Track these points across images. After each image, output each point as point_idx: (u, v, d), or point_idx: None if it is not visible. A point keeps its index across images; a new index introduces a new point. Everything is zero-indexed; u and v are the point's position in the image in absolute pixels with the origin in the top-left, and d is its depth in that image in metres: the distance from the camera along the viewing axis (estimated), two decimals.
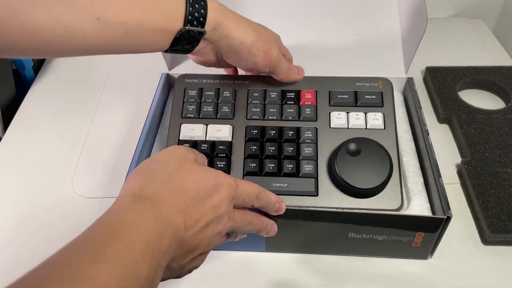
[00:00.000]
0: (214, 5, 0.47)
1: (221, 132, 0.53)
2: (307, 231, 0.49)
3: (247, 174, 0.51)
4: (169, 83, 0.66)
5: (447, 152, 0.63)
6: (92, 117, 0.69)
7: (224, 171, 0.50)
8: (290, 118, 0.53)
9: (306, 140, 0.52)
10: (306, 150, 0.51)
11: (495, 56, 0.79)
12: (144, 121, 0.57)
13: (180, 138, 0.53)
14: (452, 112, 0.66)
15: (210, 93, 0.55)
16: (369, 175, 0.48)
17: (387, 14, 0.67)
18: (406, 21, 0.65)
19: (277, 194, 0.46)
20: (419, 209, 0.50)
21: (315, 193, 0.49)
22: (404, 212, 0.50)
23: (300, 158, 0.51)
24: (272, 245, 0.51)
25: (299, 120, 0.53)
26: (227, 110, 0.54)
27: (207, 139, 0.53)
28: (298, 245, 0.51)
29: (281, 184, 0.50)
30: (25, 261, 0.52)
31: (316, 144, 0.52)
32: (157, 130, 0.60)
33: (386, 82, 0.56)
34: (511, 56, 0.79)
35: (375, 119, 0.53)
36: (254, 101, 0.55)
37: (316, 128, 0.53)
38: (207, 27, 0.46)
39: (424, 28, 0.56)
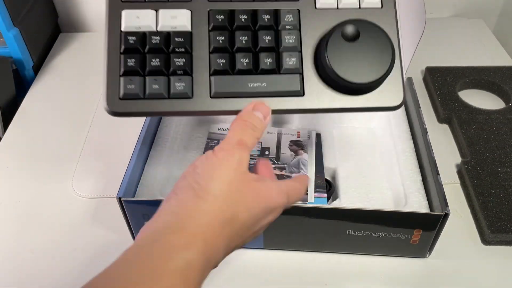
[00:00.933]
0: None
1: (176, 19, 0.41)
2: (304, 228, 0.49)
3: (215, 73, 0.41)
4: None
5: (447, 152, 0.63)
6: (91, 117, 0.69)
7: (185, 70, 0.40)
8: None
9: (287, 26, 0.42)
10: (288, 39, 0.42)
11: (495, 56, 0.79)
12: (144, 120, 0.57)
13: (123, 30, 0.41)
14: (452, 112, 0.66)
15: None
16: (367, 67, 0.40)
17: None
18: (405, 21, 0.65)
19: (255, 96, 0.41)
20: (417, 206, 0.50)
21: (301, 93, 0.41)
22: (402, 209, 0.50)
23: (280, 50, 0.42)
24: (270, 242, 0.51)
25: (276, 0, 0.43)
26: None
27: (158, 29, 0.41)
28: (296, 242, 0.51)
29: (259, 84, 0.41)
30: (25, 261, 0.52)
31: (300, 30, 0.42)
32: (157, 130, 0.60)
33: None
34: (511, 56, 0.79)
35: None
36: None
37: (299, 10, 0.42)
38: None
39: (423, 29, 0.56)
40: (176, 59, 0.40)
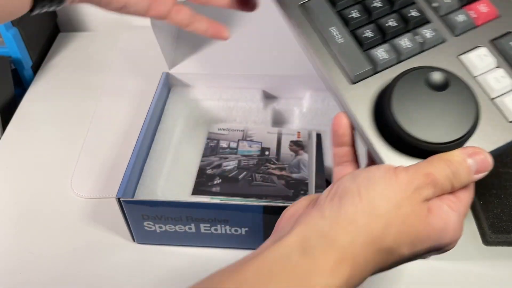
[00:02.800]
0: None
1: None
2: None
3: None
4: (169, 82, 0.65)
5: None
6: (91, 117, 0.69)
7: (423, 19, 0.36)
8: None
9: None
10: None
11: None
12: (143, 120, 0.57)
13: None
14: None
15: None
16: (442, 125, 0.32)
17: None
18: None
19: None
20: None
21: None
22: None
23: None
24: None
25: None
26: None
27: None
28: None
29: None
30: (25, 261, 0.52)
31: None
32: (156, 130, 0.60)
33: None
34: None
35: None
36: None
37: None
38: None
39: None
40: (410, 12, 0.36)
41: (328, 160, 0.58)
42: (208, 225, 0.49)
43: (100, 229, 0.55)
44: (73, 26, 0.89)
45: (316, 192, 0.54)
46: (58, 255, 0.52)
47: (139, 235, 0.52)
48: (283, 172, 0.56)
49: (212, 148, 0.60)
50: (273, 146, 0.60)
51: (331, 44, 0.36)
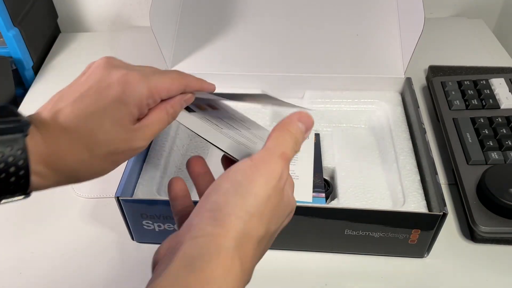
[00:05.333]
0: (39, 144, 0.33)
1: None
2: (303, 228, 0.49)
3: None
4: None
5: (445, 152, 0.62)
6: None
7: None
8: None
9: None
10: None
11: (495, 56, 0.79)
12: None
13: None
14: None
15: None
16: None
17: (386, 14, 0.67)
18: (404, 20, 0.65)
19: None
20: (415, 206, 0.50)
21: None
22: (400, 208, 0.50)
23: None
24: None
25: None
26: None
27: None
28: (294, 242, 0.51)
29: None
30: (25, 261, 0.52)
31: None
32: None
33: None
34: (511, 56, 0.79)
35: None
36: None
37: None
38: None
39: (421, 28, 0.56)
40: None
41: (327, 160, 0.59)
42: None
43: (100, 229, 0.55)
44: (74, 27, 0.90)
45: (314, 192, 0.54)
46: (58, 255, 0.53)
47: (138, 234, 0.52)
48: None
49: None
50: None
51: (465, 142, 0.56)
